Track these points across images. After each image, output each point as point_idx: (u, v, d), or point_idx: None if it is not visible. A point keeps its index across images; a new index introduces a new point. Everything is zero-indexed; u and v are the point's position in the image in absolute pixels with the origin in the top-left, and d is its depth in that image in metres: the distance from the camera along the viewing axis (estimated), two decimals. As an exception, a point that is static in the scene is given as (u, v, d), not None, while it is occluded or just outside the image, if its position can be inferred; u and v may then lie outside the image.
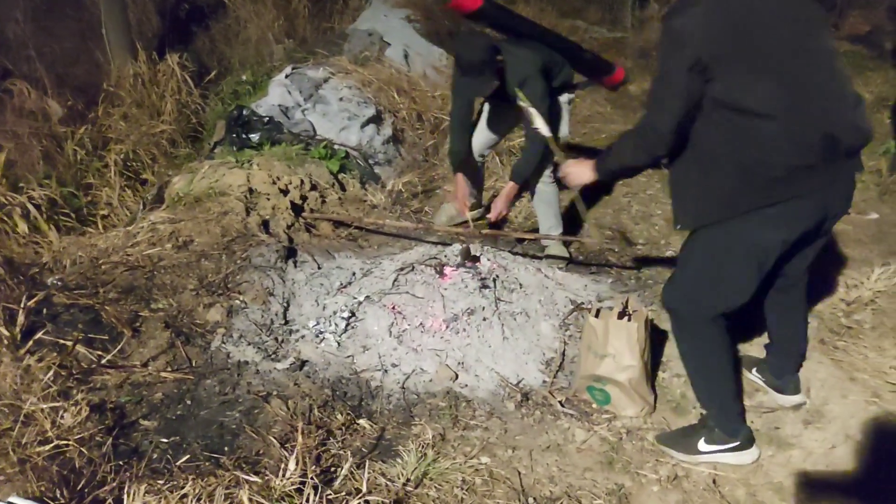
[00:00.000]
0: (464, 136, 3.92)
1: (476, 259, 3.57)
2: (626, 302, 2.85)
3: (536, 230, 4.13)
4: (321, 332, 3.16)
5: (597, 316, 2.78)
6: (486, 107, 3.97)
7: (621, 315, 2.76)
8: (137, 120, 5.98)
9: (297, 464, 2.28)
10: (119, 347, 2.88)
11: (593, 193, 5.07)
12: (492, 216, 3.70)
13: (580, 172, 2.61)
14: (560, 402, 2.86)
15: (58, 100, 6.06)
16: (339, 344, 3.11)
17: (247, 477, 2.26)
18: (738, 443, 2.49)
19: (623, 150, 2.38)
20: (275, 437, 2.51)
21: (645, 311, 2.80)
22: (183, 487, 2.19)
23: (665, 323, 3.34)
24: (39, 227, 4.26)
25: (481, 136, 4.02)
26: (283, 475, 2.25)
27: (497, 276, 3.46)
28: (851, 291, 3.63)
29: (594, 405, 2.85)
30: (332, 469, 2.40)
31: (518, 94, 3.30)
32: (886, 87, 6.83)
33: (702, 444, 2.50)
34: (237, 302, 3.25)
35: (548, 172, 3.85)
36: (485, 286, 3.35)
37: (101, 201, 5.00)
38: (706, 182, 2.18)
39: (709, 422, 2.51)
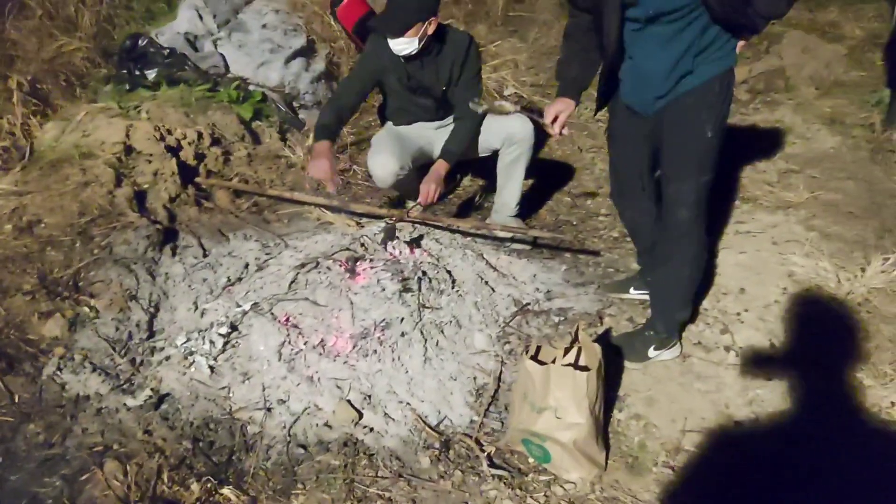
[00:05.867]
0: (343, 112, 3.14)
1: (417, 244, 2.95)
2: (576, 332, 2.22)
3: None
4: (191, 353, 2.47)
5: (536, 355, 2.14)
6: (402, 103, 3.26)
7: (567, 351, 2.14)
8: (50, 34, 5.04)
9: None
10: (-86, 378, 2.20)
11: (553, 149, 4.38)
12: (421, 199, 2.99)
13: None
14: (488, 455, 2.25)
15: (-46, 6, 5.10)
16: (212, 370, 2.44)
17: None
18: (676, 341, 2.77)
19: None
20: (98, 525, 1.88)
21: (598, 348, 2.16)
22: None
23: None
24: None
25: (407, 141, 3.26)
26: None
27: (424, 273, 2.80)
28: (843, 285, 3.06)
29: (531, 460, 2.26)
30: (170, 578, 1.79)
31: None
32: (879, 22, 6.05)
33: (651, 352, 2.73)
34: (86, 309, 2.55)
35: (529, 142, 3.18)
36: (407, 289, 2.69)
37: (1, 130, 4.18)
38: None
39: (660, 331, 2.71)
